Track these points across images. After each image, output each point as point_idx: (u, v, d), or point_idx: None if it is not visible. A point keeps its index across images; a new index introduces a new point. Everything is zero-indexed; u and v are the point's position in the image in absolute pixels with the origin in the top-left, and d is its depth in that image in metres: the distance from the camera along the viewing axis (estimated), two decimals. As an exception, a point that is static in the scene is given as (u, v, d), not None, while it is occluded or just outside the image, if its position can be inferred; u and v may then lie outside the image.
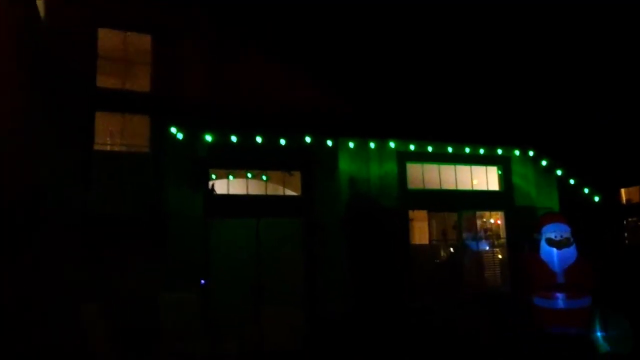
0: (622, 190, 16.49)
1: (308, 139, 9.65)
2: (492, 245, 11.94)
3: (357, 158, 10.22)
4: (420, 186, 10.82)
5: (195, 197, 9.14)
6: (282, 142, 9.44)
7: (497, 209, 11.53)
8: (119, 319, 7.36)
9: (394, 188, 10.42)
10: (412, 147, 10.50)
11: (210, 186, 9.40)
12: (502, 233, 11.69)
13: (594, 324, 6.19)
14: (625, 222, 14.22)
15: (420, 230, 11.34)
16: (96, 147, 8.77)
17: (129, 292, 8.06)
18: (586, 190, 11.75)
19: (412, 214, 11.07)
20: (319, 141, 9.79)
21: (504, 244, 11.45)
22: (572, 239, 6.07)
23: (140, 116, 9.09)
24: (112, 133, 9.26)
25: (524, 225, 9.83)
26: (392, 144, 10.31)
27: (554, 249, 5.98)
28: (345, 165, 10.14)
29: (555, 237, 6.01)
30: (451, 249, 11.32)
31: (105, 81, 8.94)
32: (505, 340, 7.45)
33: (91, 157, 8.59)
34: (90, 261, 7.82)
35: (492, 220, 12.12)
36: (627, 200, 15.65)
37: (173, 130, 8.73)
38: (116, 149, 9.30)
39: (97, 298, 7.30)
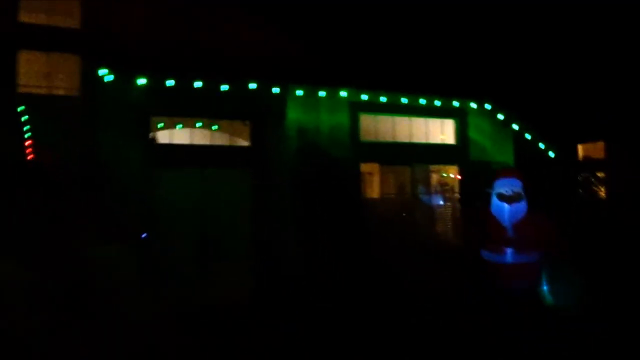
0: (579, 147, 16.57)
1: (254, 86, 9.12)
2: (447, 200, 11.79)
3: (308, 107, 9.76)
4: (373, 138, 10.47)
5: (134, 146, 8.59)
6: (226, 88, 8.89)
7: (452, 162, 11.30)
8: (43, 275, 6.89)
9: (345, 139, 10.05)
10: (364, 98, 10.06)
11: (150, 134, 8.88)
12: (458, 187, 11.53)
13: (542, 277, 5.93)
14: (580, 178, 14.27)
15: (374, 184, 11.06)
16: (21, 90, 8.06)
17: (58, 245, 7.58)
18: (542, 145, 11.60)
19: (368, 167, 10.76)
20: (266, 88, 9.27)
21: (459, 199, 11.30)
22: (522, 194, 5.70)
23: (70, 56, 8.34)
24: (38, 74, 8.50)
25: (478, 179, 9.60)
26: (343, 93, 9.84)
27: (505, 204, 5.67)
28: (295, 115, 9.68)
29: (506, 192, 5.68)
30: (406, 203, 11.10)
31: (29, 16, 8.12)
32: (456, 294, 7.44)
33: (15, 100, 7.90)
34: (13, 211, 7.27)
35: (451, 175, 11.92)
36: (584, 156, 15.66)
37: (104, 71, 8.07)
38: (43, 92, 8.57)
39: (18, 251, 6.79)
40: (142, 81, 8.27)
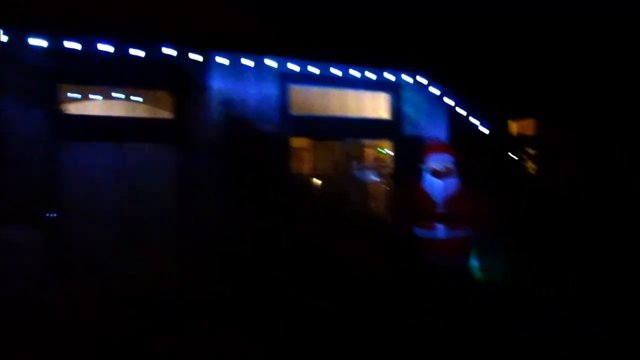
0: (513, 124, 16.73)
1: (171, 51, 8.39)
2: (382, 177, 11.54)
3: (234, 77, 9.13)
4: (303, 111, 9.99)
5: (37, 116, 7.73)
6: (140, 54, 8.13)
7: (386, 137, 11.01)
8: None
9: (274, 112, 9.50)
10: (294, 67, 9.53)
11: (58, 104, 8.05)
12: (391, 163, 11.28)
13: (472, 253, 6.16)
14: (512, 154, 14.41)
15: (306, 160, 10.63)
16: None
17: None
18: (475, 121, 11.49)
19: (300, 142, 10.30)
20: (186, 55, 8.57)
21: (392, 175, 11.04)
22: (454, 170, 5.93)
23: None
24: None
25: (412, 155, 9.34)
26: (271, 62, 9.27)
27: (436, 180, 5.87)
28: (220, 85, 9.04)
29: (438, 167, 5.89)
30: (339, 180, 10.75)
31: None
32: (389, 271, 6.97)
33: None
34: None
35: (386, 151, 11.64)
36: (519, 133, 15.81)
37: (-5, 31, 7.16)
38: None
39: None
40: (40, 42, 7.39)
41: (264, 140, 9.28)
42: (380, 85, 10.70)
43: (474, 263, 6.09)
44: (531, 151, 14.64)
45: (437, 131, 11.35)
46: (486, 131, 11.69)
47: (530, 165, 14.83)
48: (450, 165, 5.88)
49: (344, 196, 10.34)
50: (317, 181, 10.30)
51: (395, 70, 10.55)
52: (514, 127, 16.69)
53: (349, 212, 10.24)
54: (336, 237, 9.26)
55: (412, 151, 10.65)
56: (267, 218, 9.12)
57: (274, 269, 7.94)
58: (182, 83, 8.91)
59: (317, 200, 9.89)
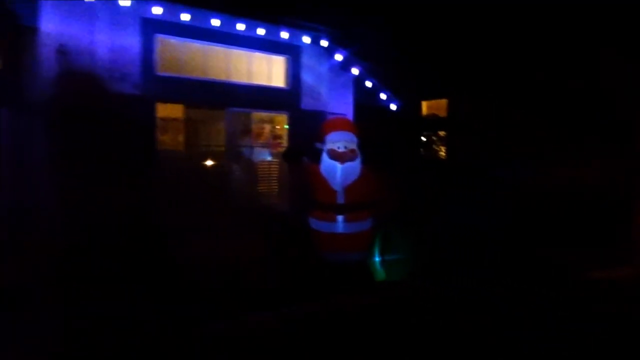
0: (424, 104, 15.63)
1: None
2: (273, 155, 9.80)
3: (76, 18, 6.91)
4: (175, 71, 7.95)
5: None
6: None
7: (279, 109, 9.24)
8: None
9: (135, 69, 7.40)
10: (162, 13, 7.43)
11: None
12: (286, 141, 9.58)
13: (374, 248, 5.73)
14: (423, 137, 13.24)
15: (178, 132, 8.62)
16: None
17: None
18: (384, 96, 10.02)
19: (169, 110, 8.27)
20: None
21: (284, 155, 9.29)
22: (358, 152, 5.17)
23: None
24: None
25: (310, 132, 7.73)
26: (127, 3, 7.09)
27: (337, 163, 5.06)
28: (56, 28, 6.79)
29: (339, 147, 5.10)
30: (219, 159, 8.84)
31: None
32: (278, 269, 6.12)
33: None
34: None
35: (284, 127, 9.87)
36: (431, 114, 14.66)
37: None
38: None
39: None
40: None
41: (120, 105, 7.20)
42: (275, 47, 8.88)
43: (377, 259, 5.64)
44: (442, 133, 13.56)
45: (340, 105, 9.78)
46: (395, 108, 10.26)
47: (439, 148, 13.77)
48: (354, 146, 5.11)
49: (224, 180, 8.49)
50: (190, 160, 8.35)
51: (294, 29, 8.75)
52: (424, 107, 15.63)
53: (229, 200, 8.41)
54: (210, 231, 7.45)
55: (309, 127, 9.07)
56: (122, 204, 7.11)
57: (128, 268, 5.99)
58: (7, 24, 6.62)
59: (189, 184, 7.97)
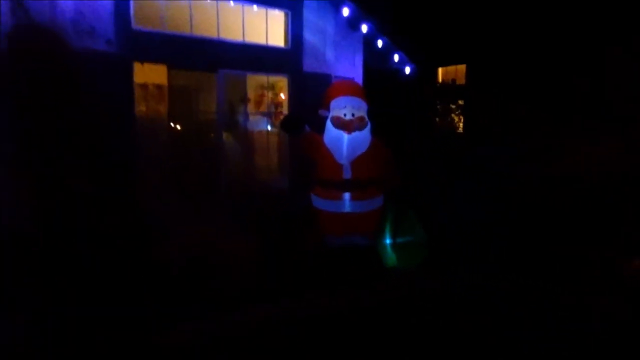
0: (440, 70, 14.46)
1: None
2: (272, 125, 8.76)
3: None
4: (156, 26, 6.85)
5: None
6: None
7: (278, 72, 8.14)
8: None
9: (107, 22, 6.33)
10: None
11: None
12: (286, 108, 8.51)
13: (384, 229, 4.88)
14: (438, 106, 12.08)
15: (161, 98, 7.55)
16: None
17: None
18: (397, 58, 8.86)
19: (149, 71, 7.19)
20: None
21: (282, 123, 8.22)
22: (367, 120, 4.55)
23: None
24: None
25: (313, 97, 6.73)
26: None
27: (343, 133, 4.47)
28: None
29: (345, 115, 4.49)
30: (209, 129, 7.80)
31: None
32: (276, 256, 5.18)
33: None
34: None
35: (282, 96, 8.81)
36: (452, 80, 13.47)
37: None
38: None
39: None
40: None
41: (89, 65, 6.15)
42: (273, 1, 7.74)
43: (387, 241, 4.84)
44: (460, 102, 12.37)
45: (348, 68, 8.67)
46: (409, 73, 9.11)
47: (458, 118, 12.60)
48: (363, 114, 4.52)
49: (214, 154, 7.48)
50: (175, 130, 7.32)
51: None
52: (441, 73, 14.47)
53: (220, 178, 7.42)
54: (198, 214, 6.47)
55: (312, 92, 8.02)
56: (93, 180, 6.14)
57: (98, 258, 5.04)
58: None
59: (174, 160, 6.98)
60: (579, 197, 7.18)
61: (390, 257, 5.03)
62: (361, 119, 4.45)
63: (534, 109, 10.17)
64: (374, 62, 8.73)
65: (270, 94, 8.75)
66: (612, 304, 3.91)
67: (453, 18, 12.20)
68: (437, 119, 11.65)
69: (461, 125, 12.48)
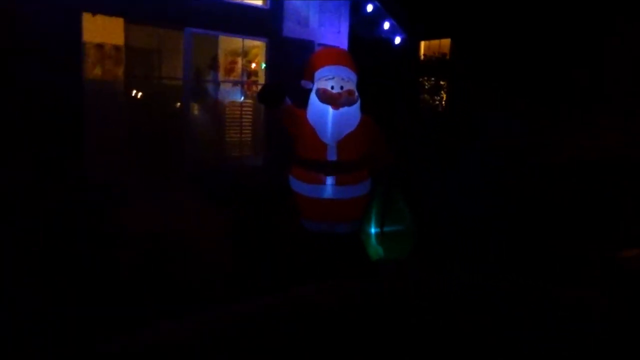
0: (422, 43, 13.59)
1: None
2: (246, 95, 7.80)
3: None
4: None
5: None
6: None
7: (254, 35, 7.14)
8: None
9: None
10: None
11: None
12: (262, 77, 7.55)
13: (369, 217, 4.17)
14: (422, 81, 11.26)
15: (117, 59, 6.46)
16: None
17: None
18: (387, 26, 7.97)
19: (103, 26, 6.09)
20: None
21: (259, 95, 7.28)
22: (357, 94, 3.86)
23: None
24: None
25: (295, 67, 5.83)
26: None
27: (329, 108, 3.71)
28: None
29: (333, 87, 3.74)
30: (173, 97, 6.79)
31: None
32: (246, 246, 4.58)
33: None
34: None
35: (261, 65, 7.81)
36: (440, 53, 12.58)
37: None
38: None
39: None
40: None
41: (23, 15, 5.06)
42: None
43: (372, 230, 4.15)
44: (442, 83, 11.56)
45: (332, 35, 7.73)
46: (399, 42, 8.24)
47: (440, 95, 11.81)
48: (352, 87, 3.86)
49: (179, 126, 6.49)
50: (134, 98, 6.26)
51: None
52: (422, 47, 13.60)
53: (185, 153, 6.45)
54: (158, 195, 5.54)
55: (292, 60, 7.09)
56: (36, 148, 5.13)
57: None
58: None
59: (133, 126, 5.96)
60: (570, 187, 6.69)
61: (375, 249, 4.31)
62: (350, 92, 3.78)
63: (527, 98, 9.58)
64: (362, 28, 7.81)
65: (242, 61, 7.76)
66: (612, 303, 3.44)
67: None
68: (425, 96, 10.86)
69: (443, 103, 11.74)
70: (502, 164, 7.22)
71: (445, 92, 11.57)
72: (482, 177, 6.66)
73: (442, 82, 10.52)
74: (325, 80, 3.74)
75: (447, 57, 11.57)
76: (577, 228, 5.43)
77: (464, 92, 10.98)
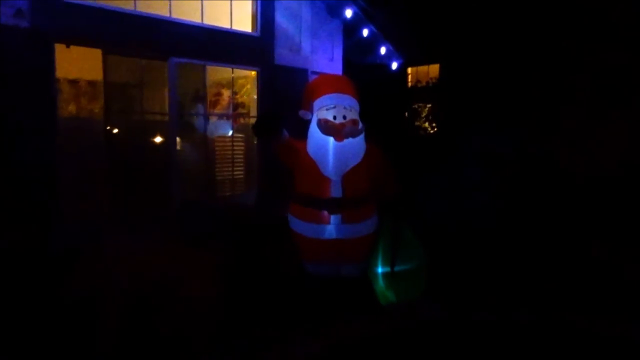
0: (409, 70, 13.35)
1: None
2: (236, 129, 7.27)
3: None
4: (87, -4, 5.22)
5: None
6: None
7: (244, 63, 6.65)
8: None
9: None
10: None
11: None
12: (254, 108, 7.03)
13: (376, 255, 3.76)
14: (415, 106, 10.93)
15: (94, 92, 5.88)
16: None
17: None
18: (384, 51, 7.57)
19: (79, 56, 5.53)
20: None
21: (253, 128, 6.76)
22: (361, 124, 3.53)
23: None
24: None
25: (288, 95, 5.40)
26: None
27: (331, 139, 3.45)
28: None
29: (335, 117, 3.50)
30: (156, 131, 6.21)
31: None
32: (247, 286, 4.02)
33: None
34: None
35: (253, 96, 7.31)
36: (429, 79, 12.40)
37: None
38: None
39: None
40: None
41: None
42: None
43: (380, 270, 3.76)
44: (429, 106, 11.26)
45: (325, 62, 7.31)
46: (395, 68, 7.84)
47: (430, 120, 11.51)
48: (355, 116, 3.54)
49: (165, 163, 5.92)
50: (114, 135, 5.65)
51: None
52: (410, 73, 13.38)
53: (170, 191, 5.86)
54: (143, 236, 4.93)
55: (288, 89, 6.60)
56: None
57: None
58: None
59: (115, 165, 5.36)
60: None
61: (385, 292, 3.84)
62: (354, 122, 3.51)
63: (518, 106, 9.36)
64: (357, 54, 7.40)
65: (227, 93, 7.25)
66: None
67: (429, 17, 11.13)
68: (416, 123, 10.51)
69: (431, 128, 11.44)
70: (490, 182, 6.93)
71: (436, 115, 11.31)
72: (475, 196, 6.46)
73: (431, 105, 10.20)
74: (326, 109, 3.48)
75: (436, 81, 11.31)
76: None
77: (454, 113, 10.73)
